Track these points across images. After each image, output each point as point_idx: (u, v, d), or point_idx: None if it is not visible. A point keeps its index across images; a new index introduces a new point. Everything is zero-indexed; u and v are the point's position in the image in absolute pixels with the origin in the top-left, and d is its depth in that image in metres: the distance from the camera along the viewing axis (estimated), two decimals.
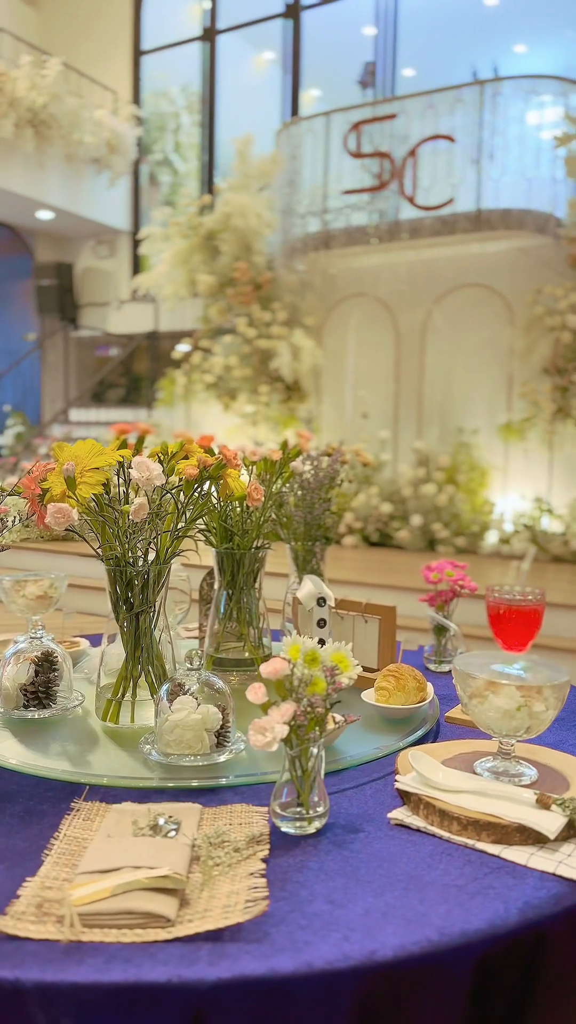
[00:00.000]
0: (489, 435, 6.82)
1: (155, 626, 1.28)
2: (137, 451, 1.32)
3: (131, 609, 1.25)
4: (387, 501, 6.69)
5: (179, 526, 1.26)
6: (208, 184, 9.62)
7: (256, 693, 0.98)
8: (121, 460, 1.23)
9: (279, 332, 7.30)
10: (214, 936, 0.79)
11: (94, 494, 1.15)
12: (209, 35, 9.76)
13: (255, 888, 0.85)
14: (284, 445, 1.50)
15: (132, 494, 1.31)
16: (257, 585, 1.52)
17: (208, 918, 0.81)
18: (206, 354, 7.84)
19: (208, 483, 1.28)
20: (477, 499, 6.61)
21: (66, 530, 1.20)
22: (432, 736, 1.32)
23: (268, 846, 0.95)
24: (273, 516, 1.87)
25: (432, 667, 1.70)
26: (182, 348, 8.29)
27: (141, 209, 10.21)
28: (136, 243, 10.00)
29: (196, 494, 1.26)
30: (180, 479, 1.25)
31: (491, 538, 6.45)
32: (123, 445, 1.30)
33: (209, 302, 7.86)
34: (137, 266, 10.05)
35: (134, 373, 10.32)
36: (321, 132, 7.42)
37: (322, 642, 1.37)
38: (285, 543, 1.89)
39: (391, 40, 8.91)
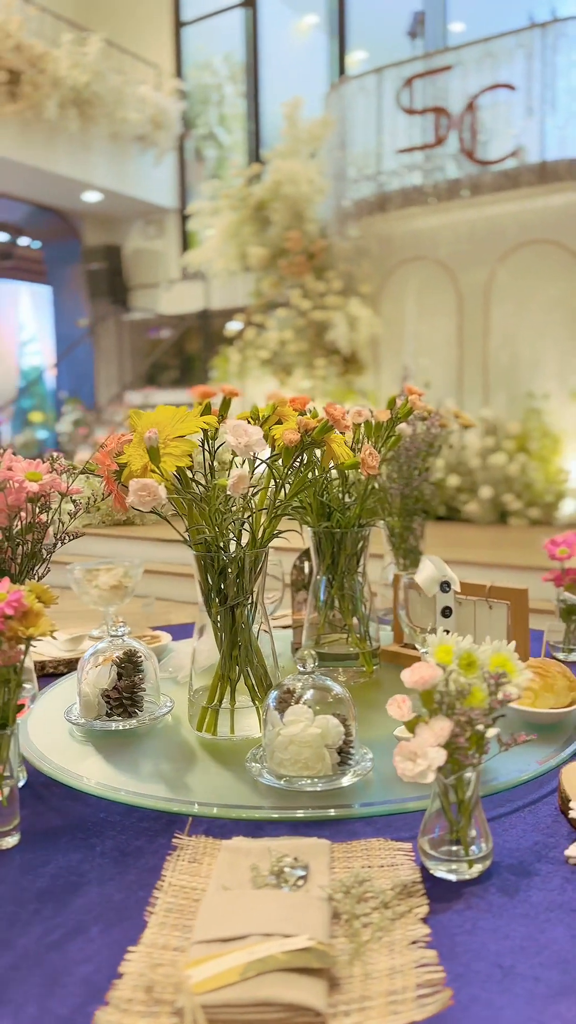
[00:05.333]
0: (561, 399, 6.47)
1: (253, 620, 1.09)
2: (222, 416, 1.13)
3: (225, 601, 1.07)
4: (453, 473, 6.42)
5: (278, 502, 1.06)
6: (255, 154, 9.35)
7: (400, 708, 0.78)
8: (206, 427, 1.03)
9: (334, 302, 7.05)
10: None
11: (179, 467, 0.95)
12: (251, 1, 9.45)
13: (425, 966, 0.66)
14: (392, 402, 1.29)
15: (220, 468, 1.12)
16: (361, 569, 1.31)
17: (370, 1013, 0.61)
18: (260, 329, 7.63)
19: (308, 451, 1.08)
20: (550, 467, 6.29)
21: (148, 511, 1.01)
22: None
23: (426, 900, 0.76)
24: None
25: (560, 656, 1.48)
26: (234, 326, 8.06)
27: (187, 185, 10.00)
28: (184, 220, 9.81)
29: (297, 464, 1.06)
30: (276, 447, 1.06)
31: (567, 507, 6.14)
32: (206, 411, 1.11)
33: (261, 275, 7.63)
34: (186, 244, 9.87)
35: (187, 353, 10.18)
36: (372, 90, 7.10)
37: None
38: (378, 519, 1.69)
39: None
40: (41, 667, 1.48)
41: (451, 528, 6.28)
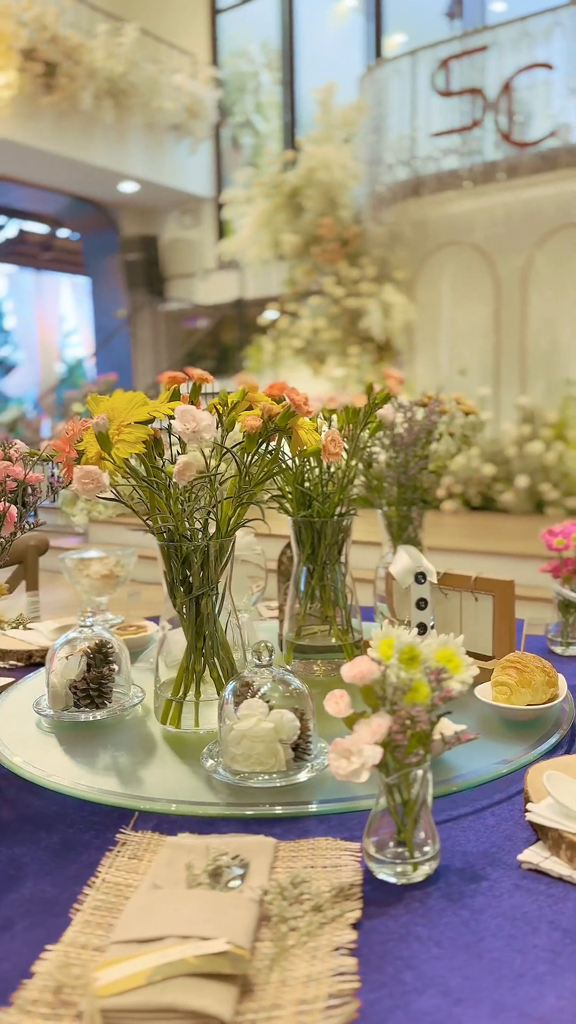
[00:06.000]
0: None
1: (219, 610, 1.07)
2: (192, 402, 1.10)
3: (190, 591, 1.04)
4: (489, 462, 6.31)
5: (242, 491, 1.04)
6: (291, 141, 9.28)
7: (338, 703, 0.75)
8: (166, 414, 1.01)
9: (368, 289, 6.97)
10: None
11: (135, 454, 0.93)
12: None
13: (341, 975, 0.63)
14: (370, 388, 1.25)
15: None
16: (343, 559, 1.28)
17: (277, 1023, 0.59)
18: (293, 318, 7.58)
19: (276, 437, 1.05)
20: None
21: (103, 498, 0.99)
22: (567, 744, 1.06)
23: (360, 903, 0.73)
24: (362, 477, 1.63)
25: (558, 650, 1.43)
26: (270, 315, 8.01)
27: (224, 174, 9.97)
28: (220, 209, 9.79)
29: (261, 451, 1.03)
30: (244, 435, 1.03)
31: None
32: (175, 396, 1.08)
33: (295, 263, 7.58)
34: (222, 233, 9.85)
35: (223, 343, 10.17)
36: (407, 73, 6.98)
37: (423, 627, 1.13)
38: (376, 509, 1.65)
39: None
40: (28, 656, 1.47)
41: (486, 518, 6.19)
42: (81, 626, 1.15)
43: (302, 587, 1.28)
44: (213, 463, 1.05)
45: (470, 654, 1.26)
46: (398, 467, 1.61)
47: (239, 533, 1.35)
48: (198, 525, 1.04)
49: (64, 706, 1.12)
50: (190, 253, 10.11)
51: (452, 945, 0.68)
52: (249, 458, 1.02)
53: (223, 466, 1.05)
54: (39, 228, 12.33)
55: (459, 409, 1.71)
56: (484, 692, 1.09)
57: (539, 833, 0.83)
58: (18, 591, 2.27)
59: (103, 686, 1.13)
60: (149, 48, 8.94)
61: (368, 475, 1.63)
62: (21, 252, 13.02)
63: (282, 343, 7.48)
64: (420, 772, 0.77)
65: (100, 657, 1.14)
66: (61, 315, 15.28)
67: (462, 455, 6.38)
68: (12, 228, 12.28)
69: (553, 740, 1.02)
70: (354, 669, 0.75)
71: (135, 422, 0.94)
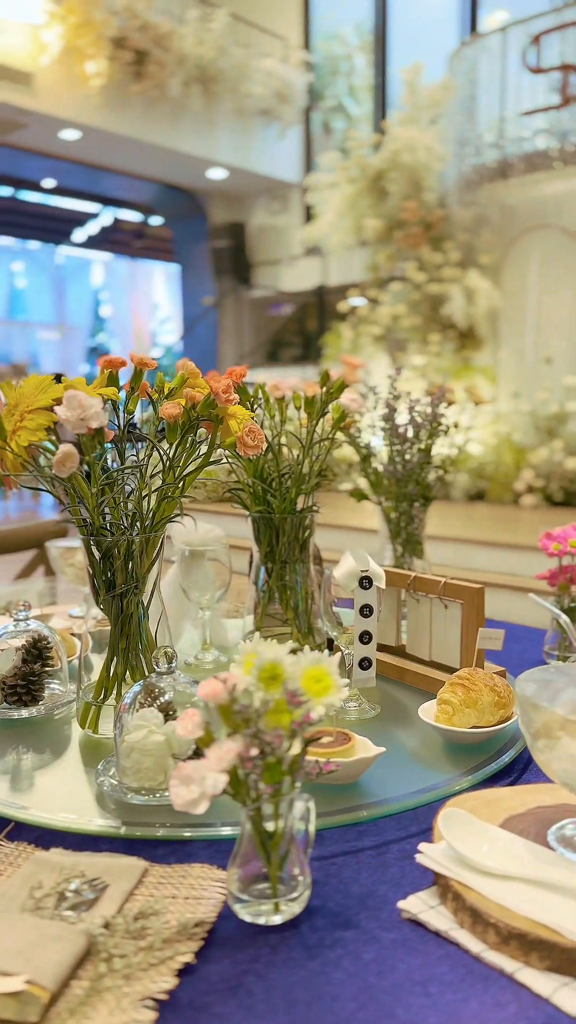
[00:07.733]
0: None
1: (146, 610, 1.01)
2: (134, 388, 1.04)
3: (112, 589, 0.99)
4: (573, 455, 6.03)
5: (166, 484, 0.97)
6: (380, 123, 9.09)
7: (189, 722, 0.68)
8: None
9: (451, 274, 6.75)
10: None
11: (34, 442, 0.88)
12: None
13: None
14: (325, 377, 1.16)
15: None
16: (306, 557, 1.20)
17: None
18: (373, 305, 7.42)
19: (212, 427, 0.98)
20: None
21: (26, 486, 0.95)
22: (518, 773, 0.95)
23: (195, 947, 0.65)
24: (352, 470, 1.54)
25: (554, 664, 1.30)
26: (355, 302, 7.82)
27: (313, 159, 9.86)
28: (306, 194, 9.70)
29: (187, 442, 0.96)
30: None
31: None
32: (112, 382, 1.02)
33: (377, 248, 7.41)
34: (309, 219, 9.75)
35: (307, 330, 10.09)
36: (497, 50, 6.69)
37: (368, 636, 1.03)
38: (375, 503, 1.56)
39: None
40: None
41: (569, 514, 5.91)
42: (16, 620, 1.11)
43: (261, 587, 1.21)
44: (147, 453, 0.99)
45: (437, 666, 1.16)
46: (395, 461, 1.51)
47: (206, 527, 1.28)
48: (127, 517, 0.98)
49: None
50: (277, 239, 10.06)
51: (281, 1004, 0.60)
52: (172, 449, 0.95)
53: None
54: (132, 216, 12.53)
55: (470, 400, 1.59)
56: (428, 712, 0.99)
57: (436, 878, 0.74)
58: (35, 576, 2.28)
59: (33, 683, 1.08)
60: (240, 33, 8.89)
61: (365, 469, 1.54)
62: (116, 240, 13.28)
63: (361, 330, 7.34)
64: (297, 801, 0.70)
65: (35, 653, 1.10)
66: (154, 303, 15.52)
67: (545, 447, 6.10)
68: (107, 216, 12.52)
69: (490, 769, 0.91)
70: (207, 687, 0.67)
71: (39, 408, 0.89)
